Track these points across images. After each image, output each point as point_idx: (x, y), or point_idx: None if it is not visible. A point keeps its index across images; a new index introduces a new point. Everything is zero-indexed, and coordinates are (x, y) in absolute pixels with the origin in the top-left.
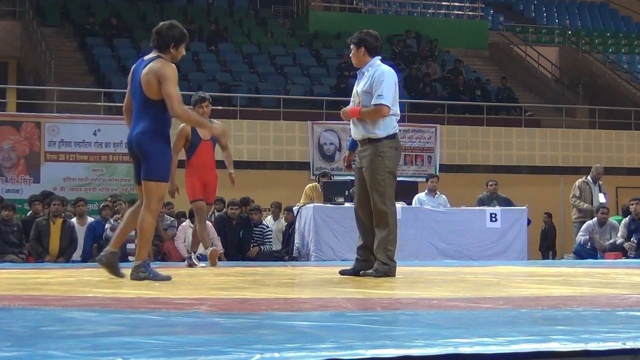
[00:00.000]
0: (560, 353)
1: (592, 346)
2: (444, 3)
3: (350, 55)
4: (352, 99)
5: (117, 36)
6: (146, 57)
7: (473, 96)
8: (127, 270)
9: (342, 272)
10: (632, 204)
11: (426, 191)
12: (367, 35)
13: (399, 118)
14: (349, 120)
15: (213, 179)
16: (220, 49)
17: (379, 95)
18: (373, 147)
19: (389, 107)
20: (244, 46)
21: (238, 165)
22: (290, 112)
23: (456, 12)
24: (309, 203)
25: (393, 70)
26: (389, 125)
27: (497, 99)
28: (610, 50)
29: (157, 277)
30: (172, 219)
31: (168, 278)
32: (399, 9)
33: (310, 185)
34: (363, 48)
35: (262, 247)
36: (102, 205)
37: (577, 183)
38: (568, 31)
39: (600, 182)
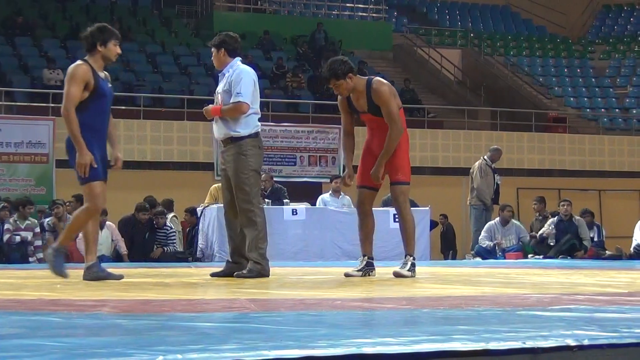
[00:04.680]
0: (462, 352)
1: (493, 345)
2: (348, 4)
3: (212, 58)
4: (214, 100)
5: (19, 34)
6: None
7: None
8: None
9: (212, 274)
10: (563, 205)
11: (330, 192)
12: (226, 37)
13: (259, 116)
14: (212, 119)
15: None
16: (124, 49)
17: (238, 93)
18: (236, 147)
19: (248, 105)
20: (148, 46)
21: (141, 165)
22: (195, 112)
23: (360, 13)
24: (213, 203)
25: (252, 70)
26: (251, 124)
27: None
28: (512, 53)
29: None
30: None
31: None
32: (304, 9)
33: (216, 185)
34: (223, 49)
35: (165, 248)
36: (0, 206)
37: (478, 164)
38: (470, 34)
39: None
